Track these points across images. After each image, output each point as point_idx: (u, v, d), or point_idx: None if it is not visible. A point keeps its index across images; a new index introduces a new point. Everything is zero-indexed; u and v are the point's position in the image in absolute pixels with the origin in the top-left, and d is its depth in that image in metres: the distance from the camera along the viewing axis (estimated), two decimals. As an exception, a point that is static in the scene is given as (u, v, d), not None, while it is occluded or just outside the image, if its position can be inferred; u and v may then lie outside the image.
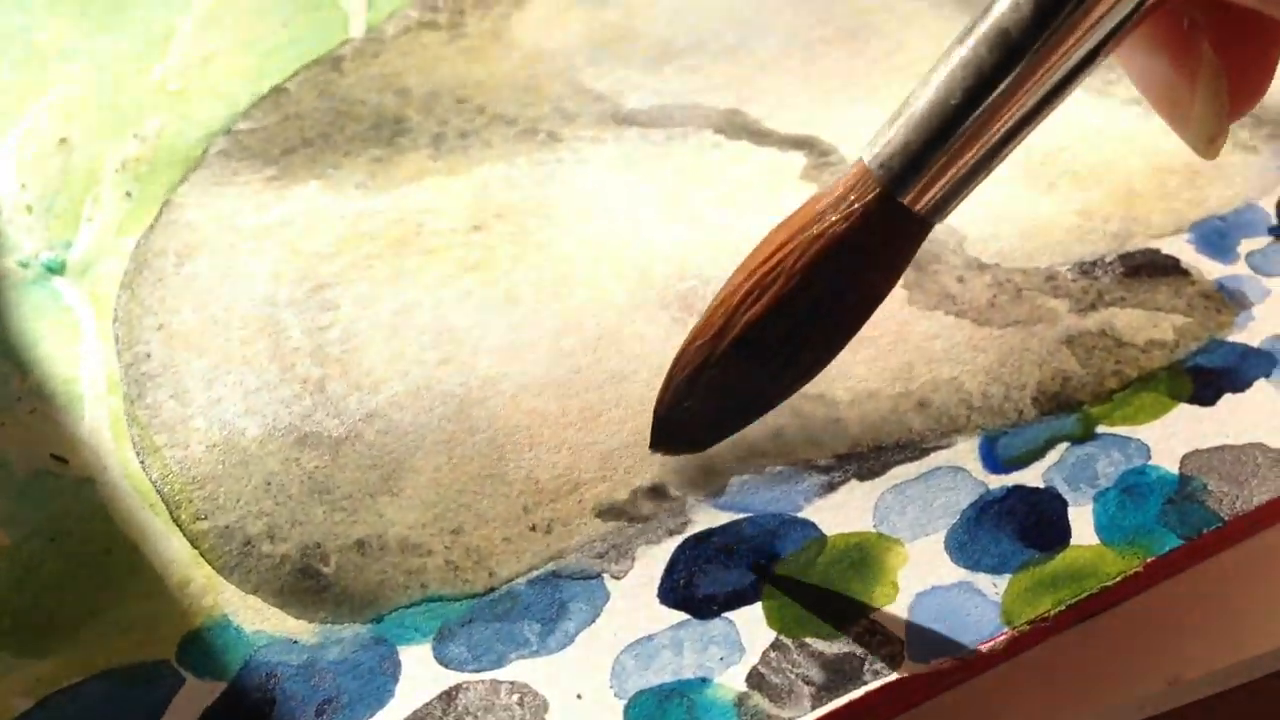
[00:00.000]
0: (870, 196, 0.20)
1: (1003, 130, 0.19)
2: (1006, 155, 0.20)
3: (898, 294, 0.27)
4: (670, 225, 0.29)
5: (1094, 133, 0.31)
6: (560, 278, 0.28)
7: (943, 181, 0.20)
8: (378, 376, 0.26)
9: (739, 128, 0.32)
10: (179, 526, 0.24)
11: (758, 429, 0.25)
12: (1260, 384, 0.26)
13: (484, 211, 0.30)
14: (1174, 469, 0.25)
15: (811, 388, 0.26)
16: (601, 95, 0.33)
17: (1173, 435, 0.25)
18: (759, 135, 0.32)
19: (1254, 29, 0.20)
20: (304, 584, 0.23)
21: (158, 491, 0.25)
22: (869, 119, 0.31)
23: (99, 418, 0.26)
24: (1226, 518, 0.24)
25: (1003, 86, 0.19)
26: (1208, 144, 0.20)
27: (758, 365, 0.21)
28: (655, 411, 0.22)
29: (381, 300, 0.28)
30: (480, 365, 0.26)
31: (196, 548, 0.24)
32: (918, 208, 0.20)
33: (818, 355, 0.22)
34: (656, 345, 0.27)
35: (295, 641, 0.23)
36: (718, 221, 0.29)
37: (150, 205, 0.30)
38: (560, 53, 0.34)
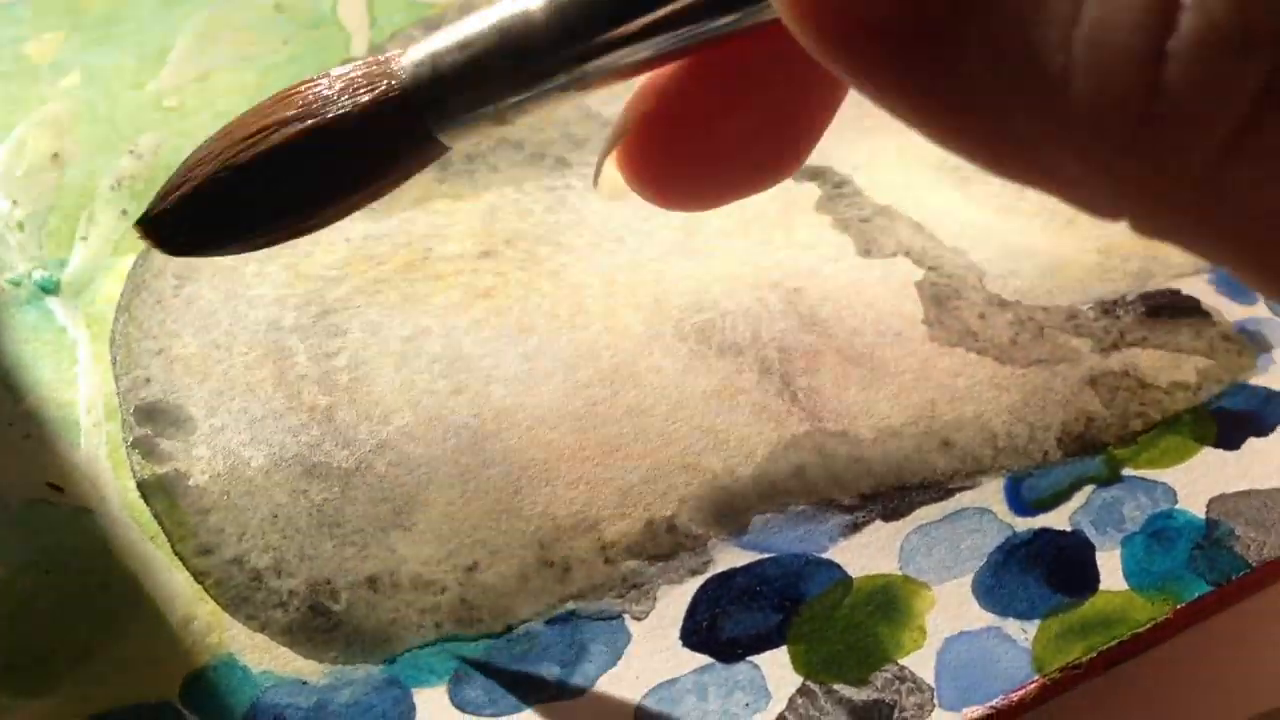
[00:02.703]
0: (381, 92, 0.19)
1: (544, 86, 0.18)
2: (540, 103, 0.18)
3: (919, 329, 0.27)
4: (683, 255, 0.29)
5: (1109, 170, 0.30)
6: (574, 307, 0.27)
7: (467, 102, 0.18)
8: (388, 406, 0.26)
9: (751, 157, 0.31)
10: (181, 560, 0.23)
11: (780, 466, 0.25)
12: (1284, 428, 0.26)
13: (493, 237, 0.29)
14: (1201, 514, 0.24)
15: (834, 424, 0.25)
16: (610, 121, 0.32)
17: (1198, 479, 0.25)
18: (771, 165, 0.31)
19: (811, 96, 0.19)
20: (313, 622, 0.23)
21: (159, 523, 0.24)
22: (883, 149, 0.31)
23: (96, 445, 0.25)
24: (1254, 564, 0.24)
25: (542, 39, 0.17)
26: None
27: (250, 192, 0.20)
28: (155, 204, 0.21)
29: (390, 327, 0.27)
30: (494, 396, 0.26)
31: (200, 583, 0.23)
32: (437, 128, 0.19)
33: (294, 222, 0.21)
34: (674, 378, 0.26)
35: (304, 682, 0.22)
36: (731, 252, 0.29)
37: (147, 224, 0.29)
38: (566, 77, 0.34)
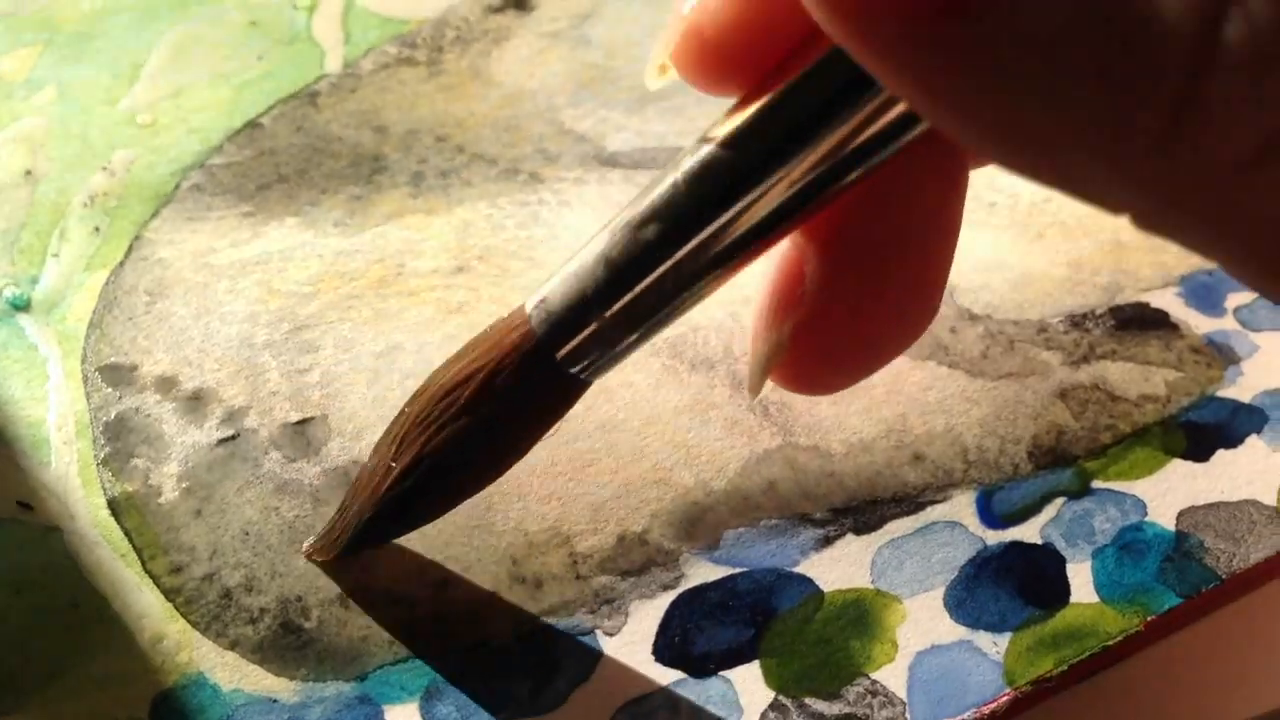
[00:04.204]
0: (524, 350, 0.20)
1: (657, 310, 0.19)
2: (663, 327, 0.19)
3: (890, 344, 0.27)
4: (657, 270, 0.29)
5: (1080, 184, 0.31)
6: (547, 322, 0.27)
7: (596, 346, 0.19)
8: (360, 422, 0.26)
9: (724, 172, 0.31)
10: (152, 578, 0.23)
11: (752, 481, 0.25)
12: (1252, 440, 0.26)
13: (466, 253, 0.29)
14: (1171, 526, 0.24)
15: (806, 439, 0.25)
16: (583, 136, 0.33)
17: (1168, 491, 0.25)
18: (744, 180, 0.31)
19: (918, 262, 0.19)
20: (284, 639, 0.23)
21: (129, 541, 0.24)
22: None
23: (67, 463, 0.25)
24: (1224, 576, 0.24)
25: (656, 272, 0.18)
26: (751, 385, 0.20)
27: (419, 494, 0.22)
28: (347, 535, 0.23)
29: (363, 343, 0.27)
30: (466, 412, 0.26)
31: (171, 601, 0.23)
32: (572, 367, 0.20)
33: (465, 489, 0.22)
34: (646, 393, 0.26)
35: (275, 700, 0.22)
36: (705, 267, 0.29)
37: (120, 240, 0.29)
38: (541, 92, 0.34)
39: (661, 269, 0.18)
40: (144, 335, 0.27)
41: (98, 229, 0.30)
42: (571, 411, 0.26)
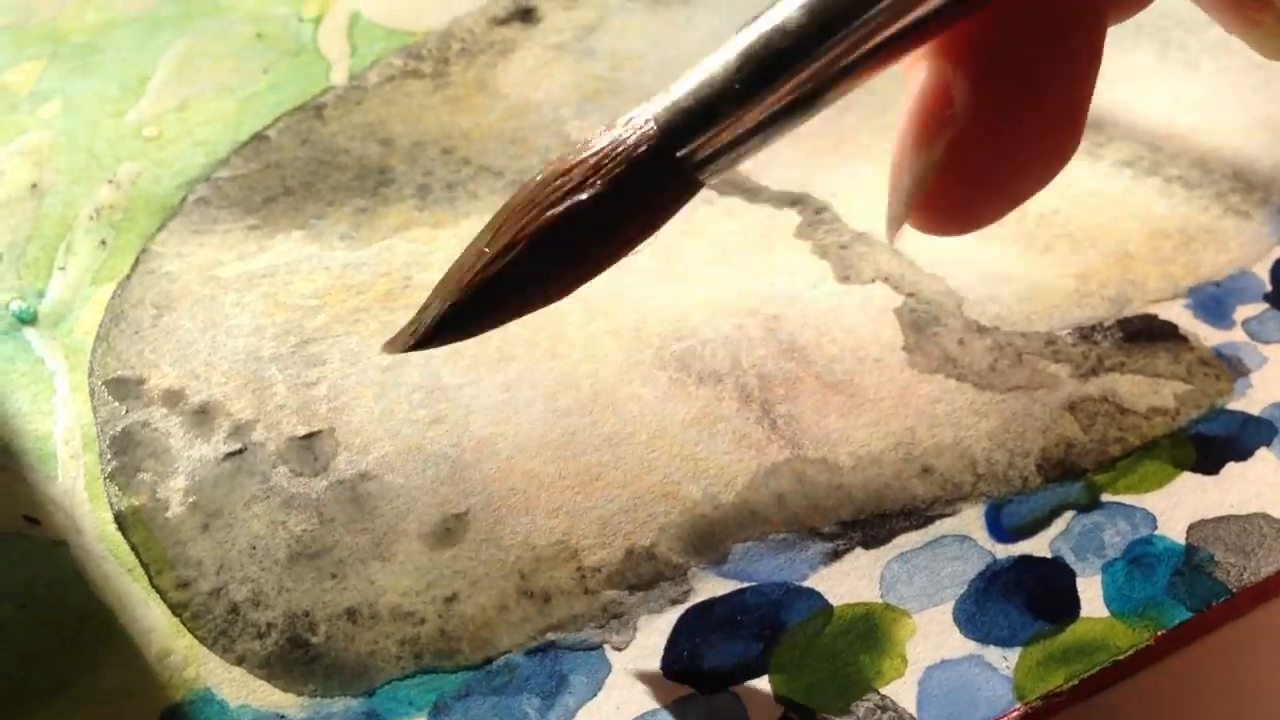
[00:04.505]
0: (641, 142, 0.19)
1: (785, 103, 0.19)
2: (788, 129, 0.19)
3: (898, 355, 0.27)
4: (664, 283, 0.29)
5: (1087, 195, 0.31)
6: (554, 336, 0.27)
7: (719, 142, 0.19)
8: (367, 436, 0.26)
9: (730, 184, 0.31)
10: (159, 593, 0.23)
11: (760, 493, 0.25)
12: (1262, 453, 0.26)
13: (473, 266, 0.29)
14: (1180, 539, 0.24)
15: (813, 451, 0.25)
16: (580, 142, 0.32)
17: (1178, 505, 0.25)
18: (750, 192, 0.31)
19: None
20: (292, 654, 0.22)
21: (136, 555, 0.24)
22: (861, 176, 0.31)
23: (73, 477, 0.25)
24: (1235, 590, 0.24)
25: (797, 68, 0.19)
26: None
27: (509, 280, 0.21)
28: (445, 299, 0.21)
29: (370, 356, 0.27)
30: (474, 425, 0.26)
31: (177, 616, 0.23)
32: (690, 166, 0.19)
33: (565, 282, 0.21)
34: (654, 406, 0.26)
35: (282, 716, 0.22)
36: (711, 279, 0.29)
37: (126, 254, 0.29)
38: (547, 104, 0.34)
39: (804, 65, 0.18)
40: (150, 349, 0.27)
41: (104, 242, 0.30)
42: (578, 424, 0.26)
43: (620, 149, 0.19)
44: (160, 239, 0.30)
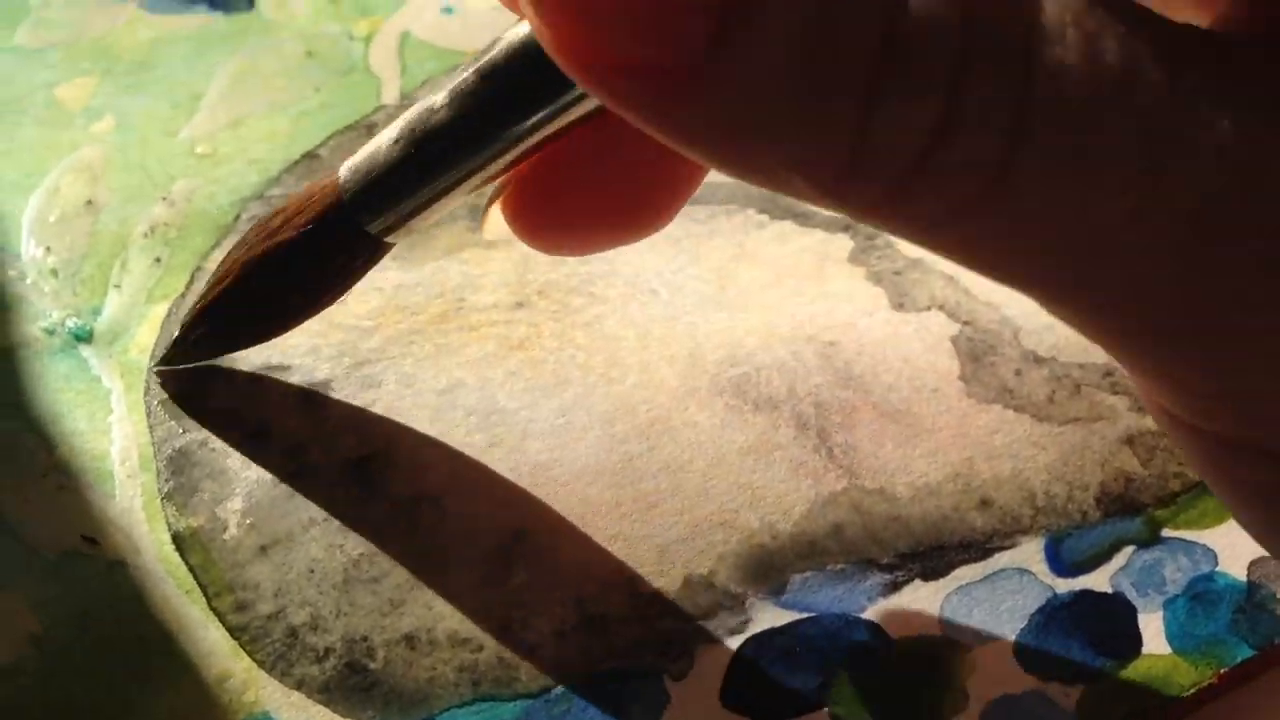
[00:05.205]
0: (326, 207, 0.23)
1: (460, 177, 0.21)
2: (458, 195, 0.21)
3: (955, 385, 0.27)
4: (717, 308, 0.29)
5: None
6: (609, 360, 0.27)
7: (399, 210, 0.22)
8: (423, 459, 0.25)
9: (783, 208, 0.31)
10: (218, 615, 0.23)
11: (818, 523, 0.25)
12: (1323, 488, 0.25)
13: (526, 288, 0.29)
14: (1242, 576, 0.24)
15: (871, 481, 0.25)
16: (641, 171, 0.32)
17: (1238, 541, 0.25)
18: (801, 216, 0.31)
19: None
20: (350, 679, 0.22)
21: (194, 577, 0.24)
22: (914, 204, 0.31)
23: (131, 496, 0.25)
24: (1298, 627, 0.23)
25: (451, 152, 0.21)
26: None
27: (224, 303, 0.25)
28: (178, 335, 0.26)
29: (425, 379, 0.27)
30: (530, 450, 0.26)
31: (236, 639, 0.23)
32: (372, 227, 0.23)
33: (269, 328, 0.26)
34: (711, 433, 0.26)
35: (342, 742, 0.22)
36: (766, 305, 0.29)
37: (180, 272, 0.29)
38: (596, 126, 0.34)
39: (449, 144, 0.21)
40: (206, 368, 0.27)
41: (159, 259, 0.30)
42: (635, 451, 0.26)
43: (311, 204, 0.23)
44: (214, 257, 0.30)
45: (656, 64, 0.14)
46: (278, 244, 0.24)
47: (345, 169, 0.23)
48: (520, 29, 0.19)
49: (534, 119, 0.19)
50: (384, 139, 0.22)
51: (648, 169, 0.21)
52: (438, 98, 0.20)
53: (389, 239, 0.23)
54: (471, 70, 0.20)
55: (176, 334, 0.26)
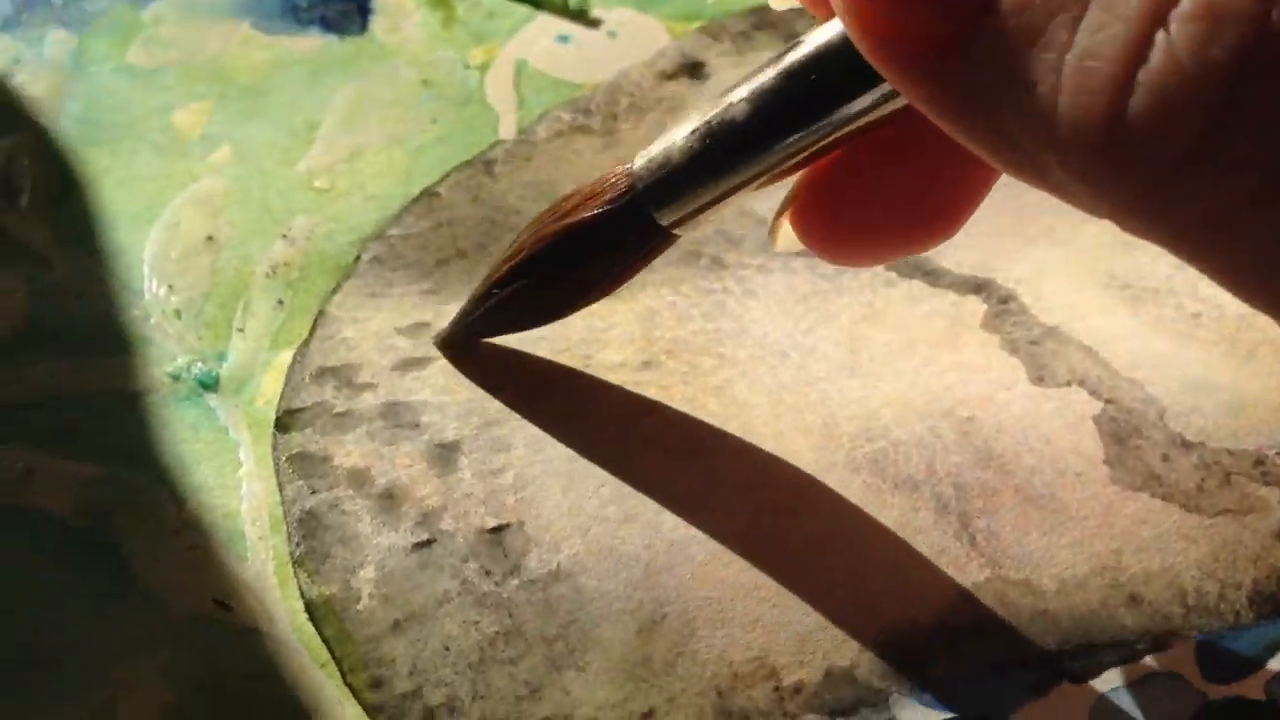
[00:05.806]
0: (620, 194, 0.24)
1: (755, 173, 0.22)
2: (745, 193, 0.22)
3: (1100, 470, 0.26)
4: (849, 375, 0.28)
5: (1289, 298, 0.29)
6: (742, 428, 0.27)
7: (691, 203, 0.23)
8: (557, 532, 0.25)
9: (911, 265, 0.30)
10: (353, 692, 0.23)
11: (961, 616, 0.24)
12: None
13: (653, 345, 0.29)
14: (1402, 688, 0.23)
15: (1015, 573, 0.24)
16: (765, 219, 0.32)
17: (1398, 649, 0.24)
18: (932, 275, 0.30)
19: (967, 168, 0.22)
20: (488, 767, 0.22)
21: (329, 650, 0.23)
22: (1045, 261, 0.30)
23: (263, 559, 0.25)
24: None
25: (757, 146, 0.21)
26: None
27: (518, 304, 0.26)
28: (463, 316, 0.28)
29: (555, 443, 0.26)
30: (665, 525, 0.25)
31: (373, 718, 0.23)
32: (661, 217, 0.23)
33: (557, 309, 0.27)
34: (849, 512, 0.25)
35: (481, 833, 0.21)
36: (899, 373, 0.28)
37: (303, 316, 0.29)
38: (717, 167, 0.33)
39: (746, 139, 0.21)
40: (334, 424, 0.27)
41: (281, 302, 0.29)
42: (771, 529, 0.25)
43: (604, 190, 0.24)
44: (336, 301, 0.29)
45: (941, 32, 0.16)
46: (571, 224, 0.24)
47: (640, 158, 0.23)
48: (823, 33, 0.20)
49: (832, 118, 0.20)
50: (679, 133, 0.22)
51: (938, 176, 0.21)
52: (736, 95, 0.21)
53: (676, 230, 0.24)
54: (774, 70, 0.21)
55: (464, 307, 0.27)
